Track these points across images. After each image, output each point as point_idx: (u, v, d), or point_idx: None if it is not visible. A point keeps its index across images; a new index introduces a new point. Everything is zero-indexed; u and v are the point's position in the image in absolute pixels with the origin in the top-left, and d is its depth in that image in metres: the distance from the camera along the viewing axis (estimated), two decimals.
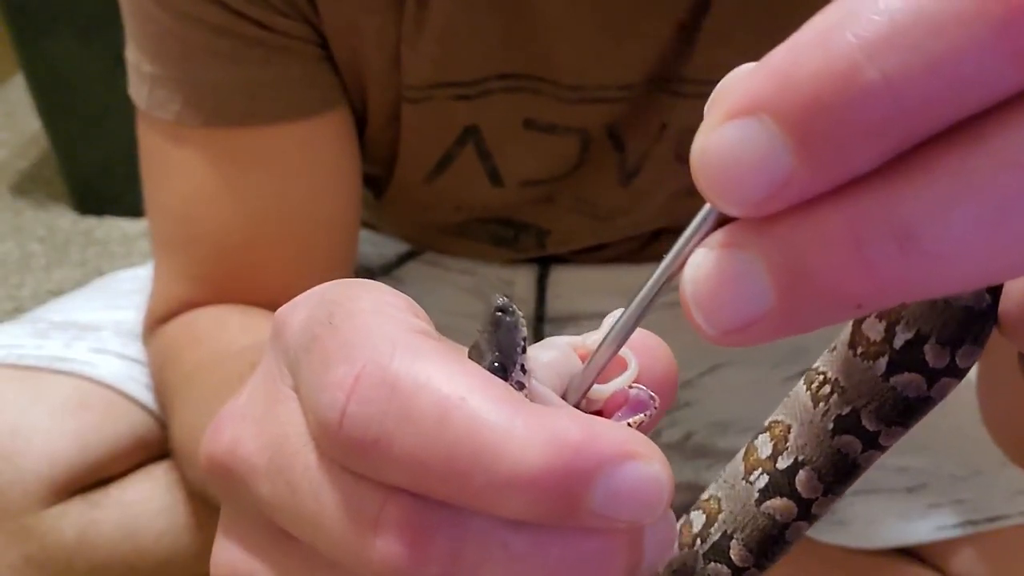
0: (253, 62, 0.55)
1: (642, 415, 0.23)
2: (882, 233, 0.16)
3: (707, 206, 0.19)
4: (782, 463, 0.26)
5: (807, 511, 0.27)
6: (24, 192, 1.83)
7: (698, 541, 0.29)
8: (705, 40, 0.56)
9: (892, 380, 0.24)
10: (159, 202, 0.61)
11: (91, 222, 1.72)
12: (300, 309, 0.23)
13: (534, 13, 0.55)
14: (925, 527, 0.65)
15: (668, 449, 0.74)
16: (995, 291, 0.23)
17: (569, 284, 0.75)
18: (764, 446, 0.27)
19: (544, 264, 0.74)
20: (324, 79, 0.58)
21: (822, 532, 0.67)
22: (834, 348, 0.26)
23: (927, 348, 0.23)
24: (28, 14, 1.50)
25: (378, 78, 0.58)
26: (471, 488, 0.19)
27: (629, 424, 0.23)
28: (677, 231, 0.19)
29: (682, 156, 0.62)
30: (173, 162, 0.60)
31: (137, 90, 0.59)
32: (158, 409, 0.64)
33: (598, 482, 0.18)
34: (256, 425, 0.23)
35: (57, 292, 1.51)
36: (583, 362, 0.23)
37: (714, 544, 0.28)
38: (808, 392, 0.26)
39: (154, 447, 0.65)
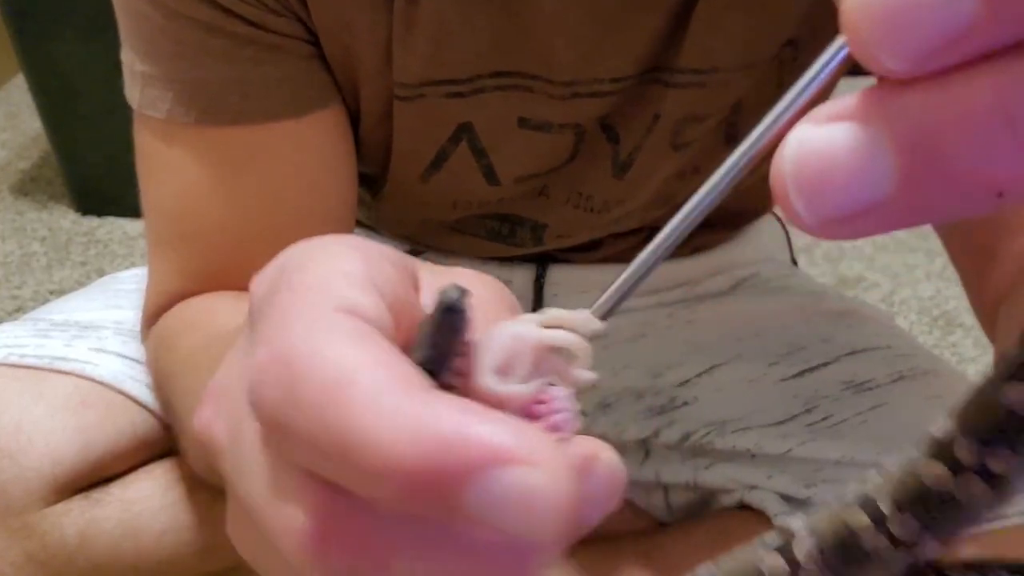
0: (244, 60, 0.55)
1: (560, 421, 0.21)
2: None
3: (823, 58, 0.15)
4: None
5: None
6: (25, 193, 1.83)
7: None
8: (696, 28, 0.56)
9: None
10: (153, 200, 0.61)
11: (92, 222, 1.72)
12: (263, 279, 0.23)
13: (526, 10, 0.55)
14: None
15: (667, 449, 0.74)
16: None
17: (566, 284, 0.75)
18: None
19: (542, 264, 0.74)
20: (316, 77, 0.58)
21: None
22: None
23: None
24: (29, 15, 1.51)
25: (370, 76, 0.58)
26: (350, 475, 0.18)
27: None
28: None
29: (677, 144, 0.61)
30: (166, 160, 0.60)
31: (131, 90, 0.59)
32: (158, 406, 0.64)
33: (472, 485, 0.17)
34: (225, 401, 0.23)
35: (58, 292, 1.51)
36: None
37: None
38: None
39: (155, 446, 0.65)
